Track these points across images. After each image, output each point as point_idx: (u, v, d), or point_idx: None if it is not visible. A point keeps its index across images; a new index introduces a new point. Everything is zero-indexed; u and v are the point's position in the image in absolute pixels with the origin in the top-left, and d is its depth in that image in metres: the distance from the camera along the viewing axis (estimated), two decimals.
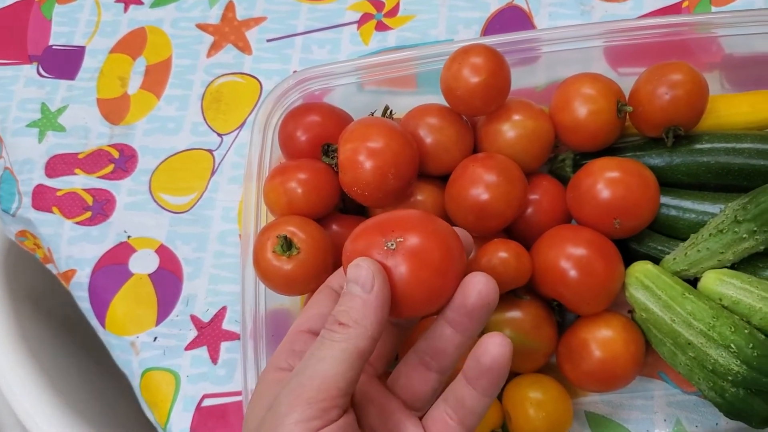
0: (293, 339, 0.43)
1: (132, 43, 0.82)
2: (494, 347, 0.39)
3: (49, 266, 0.76)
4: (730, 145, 0.62)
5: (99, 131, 0.78)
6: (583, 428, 0.61)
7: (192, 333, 0.68)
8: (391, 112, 0.64)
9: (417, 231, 0.40)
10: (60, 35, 0.83)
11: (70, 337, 0.85)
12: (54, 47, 0.83)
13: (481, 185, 0.58)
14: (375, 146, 0.56)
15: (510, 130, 0.61)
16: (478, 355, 0.40)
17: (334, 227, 0.61)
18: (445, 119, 0.62)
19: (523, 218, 0.61)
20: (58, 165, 0.76)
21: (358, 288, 0.38)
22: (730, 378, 0.53)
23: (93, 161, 0.76)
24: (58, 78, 0.81)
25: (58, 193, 0.75)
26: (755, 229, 0.55)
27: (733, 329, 0.53)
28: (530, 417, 0.57)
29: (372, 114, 0.64)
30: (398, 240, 0.40)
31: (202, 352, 0.67)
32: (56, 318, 0.85)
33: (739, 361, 0.52)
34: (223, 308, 0.69)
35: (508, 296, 0.58)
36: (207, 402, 0.66)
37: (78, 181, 0.76)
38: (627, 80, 0.64)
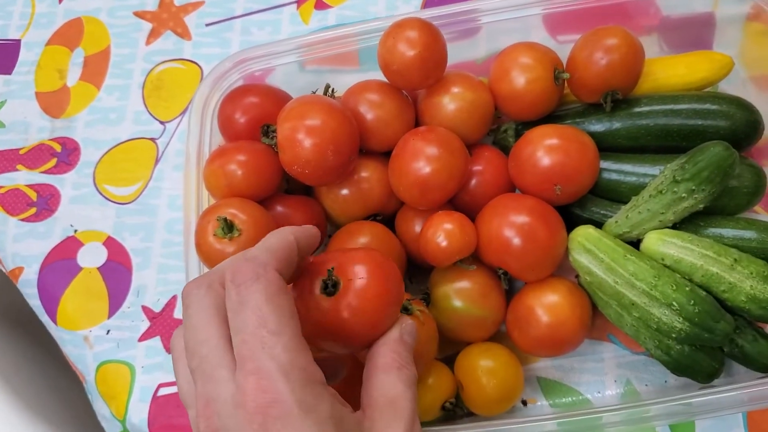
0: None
1: (69, 34, 0.80)
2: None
3: None
4: (668, 107, 0.62)
5: (39, 125, 0.76)
6: (536, 393, 0.62)
7: (144, 324, 0.68)
8: (332, 90, 0.63)
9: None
10: None
11: (23, 334, 0.84)
12: None
13: (422, 158, 0.58)
14: (313, 124, 0.56)
15: (450, 102, 0.61)
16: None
17: (279, 208, 0.61)
18: (386, 94, 0.62)
19: (467, 189, 0.62)
20: None
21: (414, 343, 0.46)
22: (674, 335, 0.54)
23: (35, 156, 0.75)
24: None
25: (1, 191, 0.74)
26: (694, 188, 0.56)
27: (674, 287, 0.54)
28: (482, 385, 0.57)
29: (314, 93, 0.64)
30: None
31: (156, 342, 0.67)
32: (8, 315, 0.84)
33: (681, 318, 0.53)
34: (174, 297, 0.68)
35: (455, 267, 0.58)
36: (163, 391, 0.65)
37: (20, 177, 0.74)
38: (566, 48, 0.64)
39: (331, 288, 0.44)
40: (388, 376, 0.43)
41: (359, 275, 0.44)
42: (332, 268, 0.44)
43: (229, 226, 0.55)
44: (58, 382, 0.82)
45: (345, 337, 0.45)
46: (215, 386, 0.39)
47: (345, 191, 0.62)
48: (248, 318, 0.39)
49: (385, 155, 0.63)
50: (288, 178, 0.62)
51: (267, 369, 0.37)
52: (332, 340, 0.45)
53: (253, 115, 0.62)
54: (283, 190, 0.64)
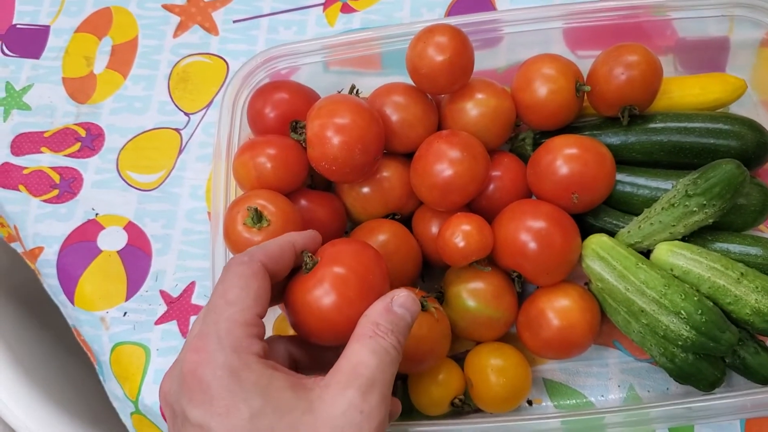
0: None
1: (97, 23, 0.82)
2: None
3: (14, 245, 0.76)
4: (682, 125, 0.64)
5: (65, 110, 0.78)
6: (542, 394, 0.64)
7: (161, 308, 0.69)
8: (357, 91, 0.65)
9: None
10: (24, 14, 0.83)
11: (33, 315, 0.85)
12: (18, 26, 0.82)
13: (445, 161, 0.60)
14: (342, 122, 0.58)
15: (473, 108, 0.63)
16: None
17: (303, 202, 0.62)
18: (411, 97, 0.64)
19: (485, 194, 0.64)
20: (24, 143, 0.77)
21: (409, 316, 0.46)
22: (680, 343, 0.56)
23: (59, 139, 0.77)
24: (22, 57, 0.81)
25: (25, 171, 0.75)
26: (705, 202, 0.58)
27: (683, 296, 0.56)
28: (491, 383, 0.59)
29: (339, 92, 0.66)
30: None
31: (172, 326, 0.68)
32: (18, 296, 0.85)
33: (688, 327, 0.55)
34: (192, 283, 0.70)
35: (471, 268, 0.60)
36: None
37: (44, 160, 0.76)
38: (585, 63, 0.66)
39: (309, 266, 0.48)
40: (358, 343, 0.43)
41: (334, 257, 0.48)
42: (305, 252, 0.48)
43: (258, 216, 0.56)
44: (68, 367, 0.83)
45: (322, 319, 0.47)
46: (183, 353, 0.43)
47: (366, 189, 0.64)
48: (217, 289, 0.43)
49: (406, 156, 0.65)
50: (312, 173, 0.63)
51: (206, 332, 0.41)
52: (310, 324, 0.47)
53: (283, 111, 0.64)
54: (307, 185, 0.65)
